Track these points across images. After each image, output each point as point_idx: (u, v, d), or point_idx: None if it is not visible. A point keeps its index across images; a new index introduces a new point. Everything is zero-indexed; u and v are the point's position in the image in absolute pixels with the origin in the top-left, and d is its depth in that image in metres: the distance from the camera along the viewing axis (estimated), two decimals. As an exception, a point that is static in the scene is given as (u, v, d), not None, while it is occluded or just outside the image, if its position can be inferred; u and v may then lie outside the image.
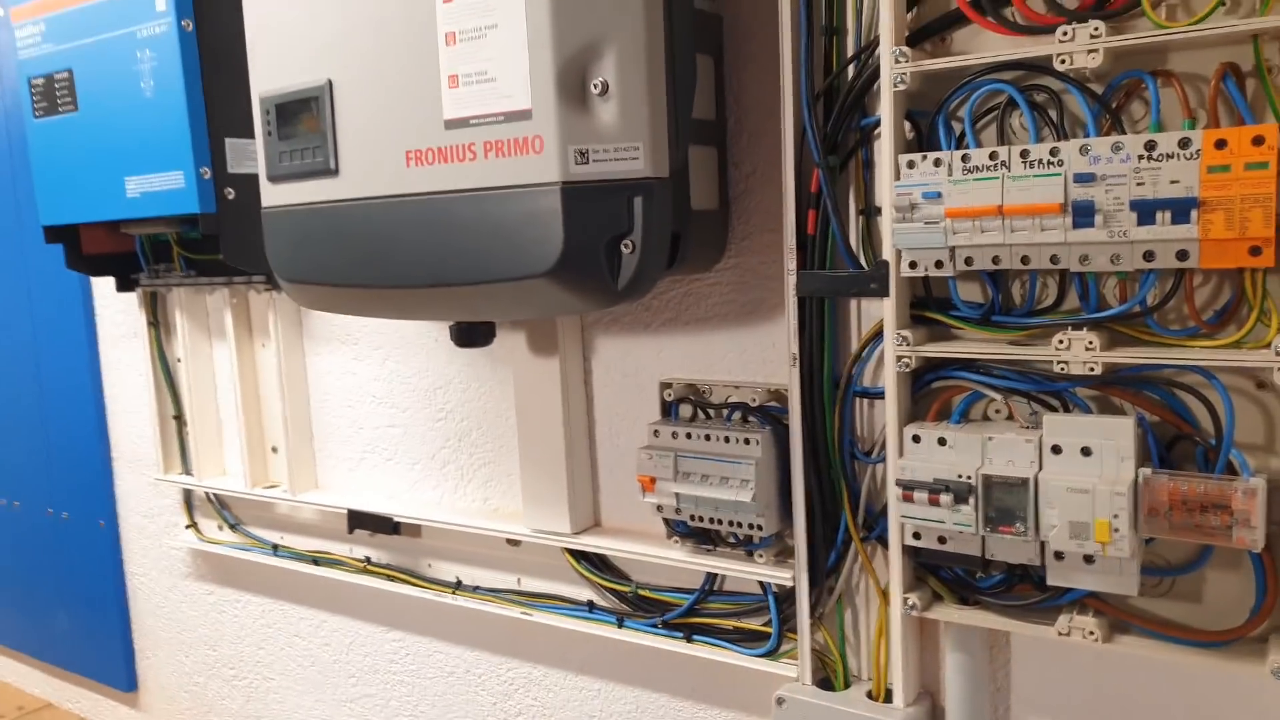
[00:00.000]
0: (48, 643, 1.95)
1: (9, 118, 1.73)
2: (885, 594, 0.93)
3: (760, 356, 0.99)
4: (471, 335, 1.05)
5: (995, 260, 0.78)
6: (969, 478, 0.80)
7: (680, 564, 1.03)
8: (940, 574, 0.89)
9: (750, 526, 0.96)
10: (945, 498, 0.81)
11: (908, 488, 0.83)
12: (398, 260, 0.94)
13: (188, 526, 1.60)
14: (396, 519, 1.28)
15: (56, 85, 1.34)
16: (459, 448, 1.25)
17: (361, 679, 1.45)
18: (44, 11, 1.33)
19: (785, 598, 1.00)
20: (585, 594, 1.15)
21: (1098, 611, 0.81)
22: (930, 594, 0.89)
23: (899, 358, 0.85)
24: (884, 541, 0.93)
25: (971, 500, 0.80)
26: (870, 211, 0.89)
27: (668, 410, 1.04)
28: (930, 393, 0.88)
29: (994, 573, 0.85)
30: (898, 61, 0.80)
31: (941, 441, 0.83)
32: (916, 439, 0.84)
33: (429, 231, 0.91)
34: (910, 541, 0.86)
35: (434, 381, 1.26)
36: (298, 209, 1.01)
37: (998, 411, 0.86)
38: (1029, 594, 0.84)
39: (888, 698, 0.93)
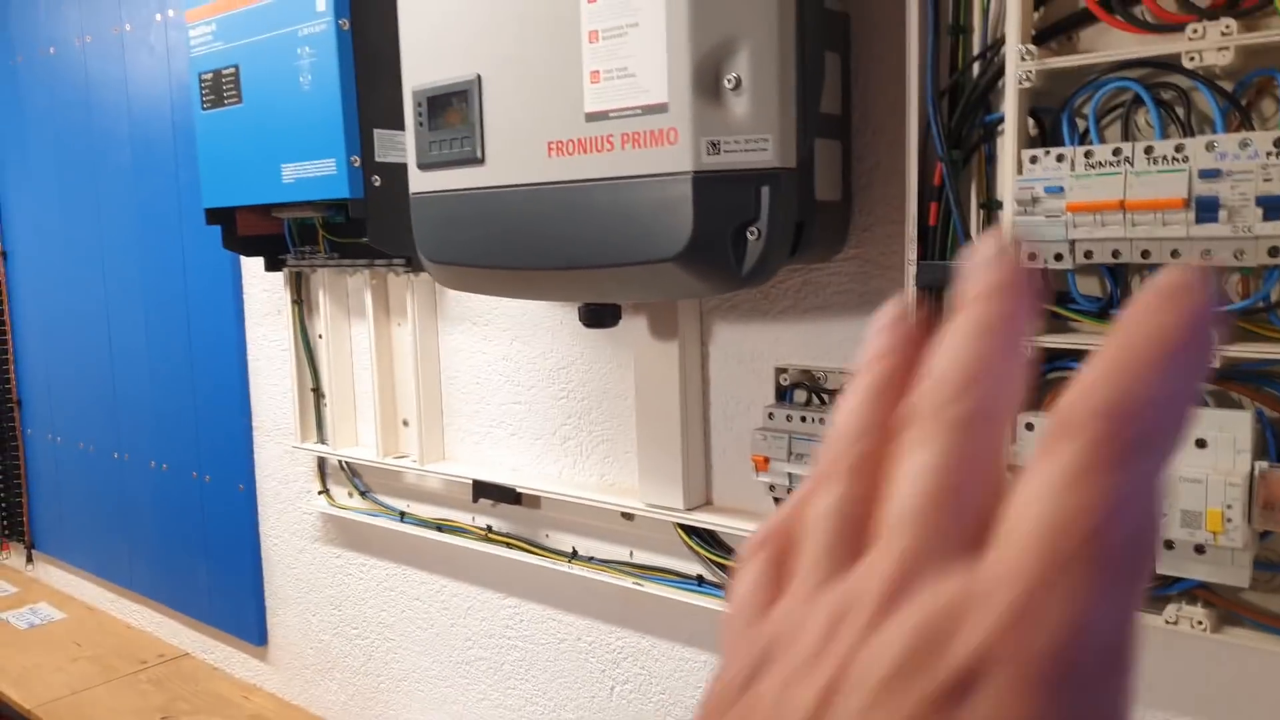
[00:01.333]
0: (188, 597, 2.12)
1: (175, 110, 1.89)
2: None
3: (875, 344, 1.02)
4: (599, 316, 1.11)
5: (1115, 254, 0.80)
6: (1082, 465, 0.82)
7: (789, 541, 1.08)
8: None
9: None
10: (1057, 483, 0.83)
11: (1019, 473, 0.85)
12: (536, 244, 1.02)
13: (320, 493, 1.72)
14: (519, 489, 1.36)
15: (224, 79, 1.47)
16: (579, 425, 1.32)
17: (477, 642, 1.54)
18: (216, 13, 1.46)
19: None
20: (695, 568, 1.21)
21: (1207, 602, 0.83)
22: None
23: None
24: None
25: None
26: (991, 205, 0.92)
27: (782, 394, 1.09)
28: (1047, 384, 0.90)
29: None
30: (1023, 59, 0.83)
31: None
32: (1029, 427, 0.87)
33: (566, 217, 0.98)
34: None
35: (558, 362, 1.33)
36: (445, 195, 1.09)
37: (1113, 403, 0.88)
38: (1139, 583, 0.86)
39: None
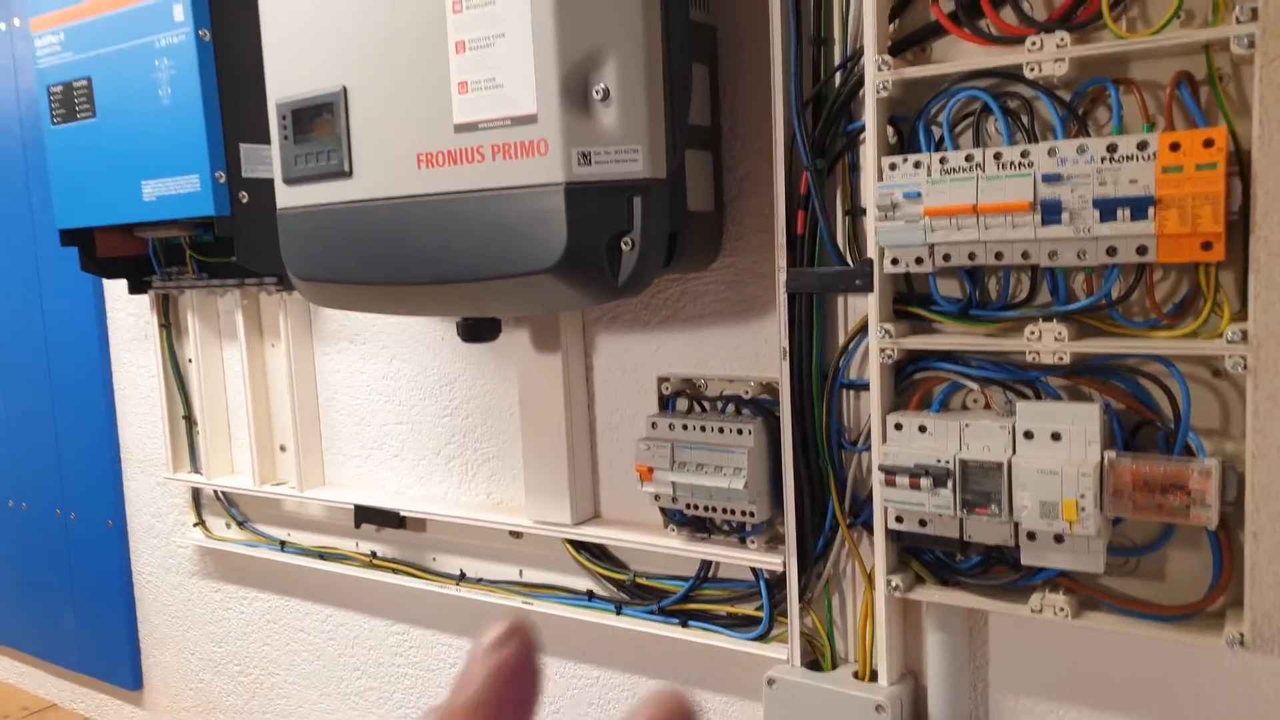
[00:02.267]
0: (54, 643, 1.98)
1: (24, 125, 1.78)
2: (870, 578, 0.98)
3: (753, 351, 1.04)
4: (478, 331, 1.10)
5: (971, 256, 0.83)
6: (947, 462, 0.85)
7: (676, 551, 1.08)
8: (922, 557, 0.94)
9: (743, 513, 1.00)
10: (925, 481, 0.86)
11: (890, 473, 0.88)
12: (409, 258, 0.99)
13: (195, 525, 1.64)
14: (402, 513, 1.33)
15: (75, 93, 1.40)
16: (464, 443, 1.30)
17: (366, 672, 1.49)
18: (64, 21, 1.39)
19: (776, 583, 1.04)
20: (585, 584, 1.20)
21: (1068, 590, 0.86)
22: (913, 576, 0.93)
23: (882, 350, 0.90)
24: (869, 527, 0.98)
25: (950, 484, 0.85)
26: (856, 212, 0.94)
27: (665, 404, 1.09)
28: (912, 384, 0.93)
29: (972, 555, 0.90)
30: (880, 70, 0.86)
31: (921, 429, 0.88)
32: (899, 427, 0.89)
33: (438, 230, 0.96)
34: (893, 525, 0.90)
35: (440, 379, 1.30)
36: (313, 210, 1.06)
37: (975, 400, 0.91)
38: (1004, 574, 0.89)
39: (873, 677, 0.97)
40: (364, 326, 1.37)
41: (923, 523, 0.89)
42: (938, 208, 0.82)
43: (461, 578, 1.31)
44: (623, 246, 0.90)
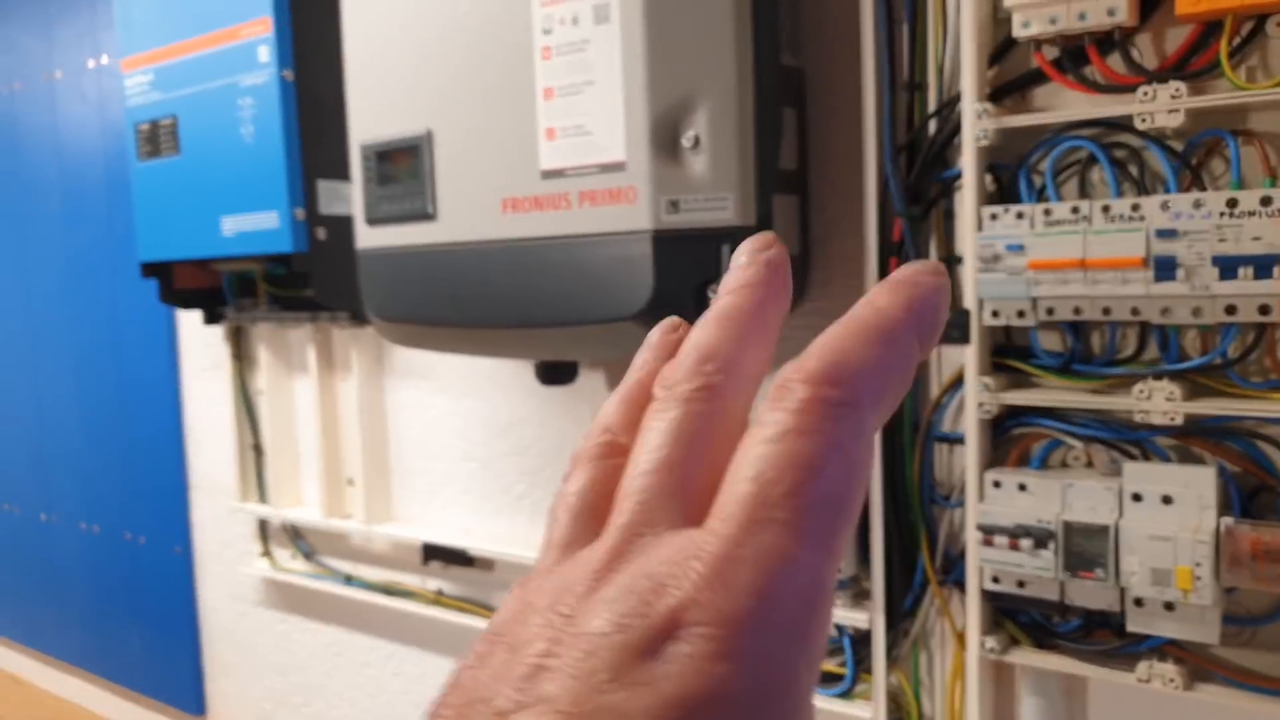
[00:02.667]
0: (118, 665, 2.01)
1: (109, 159, 1.83)
2: (961, 637, 0.94)
3: (837, 400, 1.01)
4: (556, 374, 1.09)
5: (1077, 311, 0.80)
6: (1049, 523, 0.82)
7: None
8: (1018, 618, 0.90)
9: (826, 566, 0.98)
10: (1025, 542, 0.82)
11: (988, 532, 0.85)
12: (490, 301, 0.99)
13: (262, 555, 1.65)
14: (470, 551, 1.32)
15: (161, 130, 1.43)
16: (534, 482, 1.29)
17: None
18: (154, 61, 1.42)
19: (860, 640, 1.01)
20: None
21: (1178, 659, 0.82)
22: (1007, 638, 0.90)
23: (980, 404, 0.87)
24: (961, 585, 0.95)
25: (1051, 545, 0.81)
26: (951, 260, 0.92)
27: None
28: (1010, 439, 0.90)
29: (1072, 618, 0.86)
30: (980, 117, 0.84)
31: (1021, 487, 0.85)
32: (997, 484, 0.86)
33: (522, 275, 0.96)
34: (989, 586, 0.87)
35: (510, 417, 1.30)
36: (394, 251, 1.06)
37: (1076, 459, 0.87)
38: (1107, 640, 0.85)
39: (963, 741, 0.94)
40: (435, 363, 1.37)
41: (1021, 584, 0.85)
42: (1042, 261, 0.80)
43: (530, 619, 1.29)
44: (709, 294, 0.88)
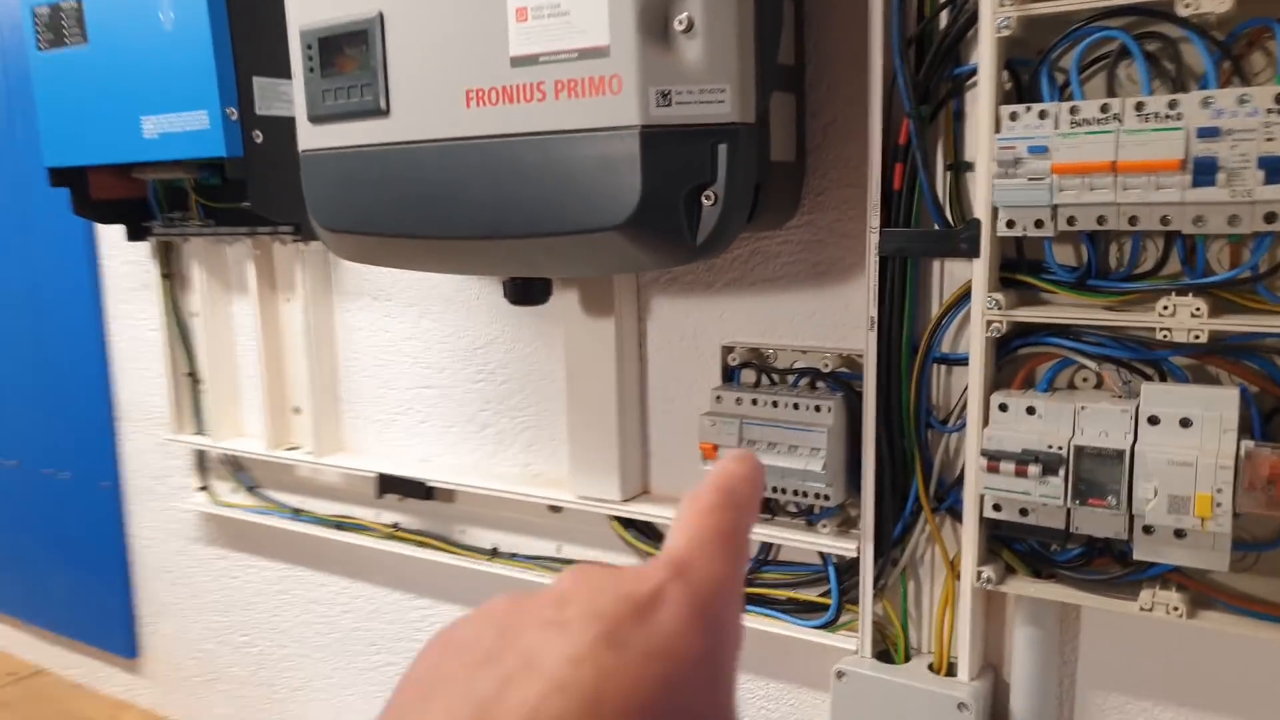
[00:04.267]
0: (43, 607, 1.90)
1: (7, 52, 1.65)
2: (954, 566, 0.90)
3: (831, 320, 0.95)
4: (527, 293, 1.00)
5: (1100, 220, 0.74)
6: (1059, 448, 0.77)
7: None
8: (1014, 546, 0.86)
9: (816, 496, 0.92)
10: (1033, 469, 0.78)
11: (994, 458, 0.80)
12: (454, 209, 0.89)
13: (200, 489, 1.55)
14: (430, 483, 1.24)
15: (63, 14, 1.27)
16: (500, 410, 1.21)
17: (385, 647, 1.41)
18: (54, -62, 1.26)
19: (846, 569, 0.97)
20: (631, 561, 1.12)
21: (1180, 586, 0.79)
22: (1003, 567, 0.86)
23: (989, 323, 0.81)
24: (955, 513, 0.90)
25: (1061, 472, 0.77)
26: (959, 167, 0.85)
27: (729, 375, 1.00)
28: (1015, 360, 0.85)
29: (1073, 547, 0.82)
30: (1001, 4, 0.76)
31: (1030, 411, 0.80)
32: (1004, 408, 0.81)
33: (490, 178, 0.86)
34: (989, 514, 0.82)
35: (474, 341, 1.21)
36: (342, 152, 0.95)
37: (1084, 380, 0.82)
38: (1106, 568, 0.81)
39: (950, 671, 0.90)
40: (390, 283, 1.27)
41: (1024, 511, 0.81)
42: (1069, 164, 0.73)
43: (494, 553, 1.23)
44: (704, 200, 0.80)
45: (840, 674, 0.93)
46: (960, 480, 0.89)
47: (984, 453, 0.80)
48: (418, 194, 0.91)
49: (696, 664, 0.22)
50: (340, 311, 1.33)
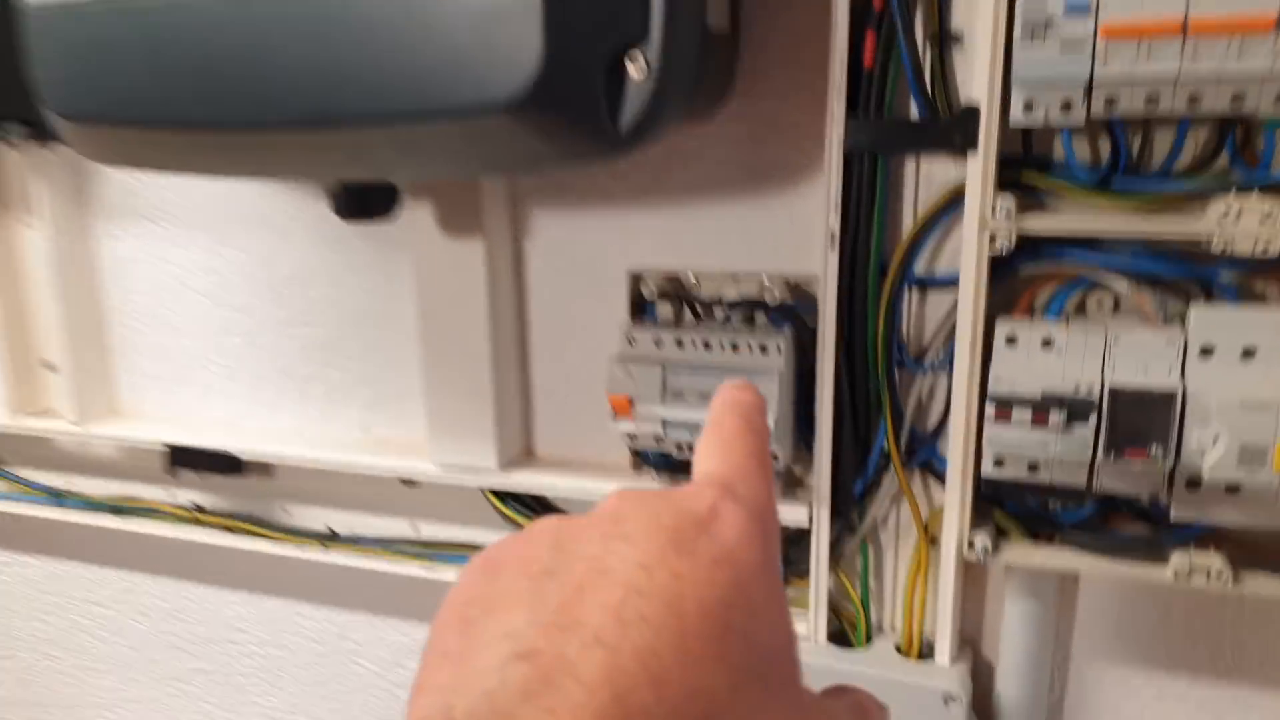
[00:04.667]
0: None
1: None
2: (927, 530, 0.75)
3: (771, 238, 0.75)
4: (364, 204, 0.74)
5: (1150, 101, 0.58)
6: (1089, 390, 0.61)
7: (655, 504, 0.80)
8: (1007, 504, 0.71)
9: (765, 457, 0.74)
10: (1055, 416, 0.62)
11: (1005, 404, 0.63)
12: (255, 84, 0.62)
13: (-82, 470, 1.18)
14: (238, 455, 0.96)
15: None
16: (329, 360, 0.94)
17: (192, 652, 1.14)
18: None
19: (790, 539, 0.80)
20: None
21: (1217, 547, 0.66)
22: (994, 530, 0.71)
23: (992, 236, 0.64)
24: (930, 469, 0.75)
25: (1092, 419, 0.61)
26: (945, 39, 0.66)
27: (639, 310, 0.79)
28: (1011, 282, 0.68)
29: (1087, 504, 0.68)
30: None
31: (1047, 343, 0.64)
32: (1013, 340, 0.65)
33: (311, 37, 0.60)
34: (990, 472, 0.67)
35: (291, 272, 0.93)
36: (84, 7, 0.65)
37: (1099, 305, 0.67)
38: (1122, 528, 0.68)
39: (924, 653, 0.76)
40: (171, 197, 0.95)
41: (1033, 467, 0.66)
42: (1122, 25, 0.56)
43: (332, 537, 0.98)
44: (629, 69, 0.57)
45: (796, 671, 0.76)
46: (939, 430, 0.73)
47: (993, 398, 0.63)
48: (200, 63, 0.63)
49: (758, 572, 0.22)
50: (104, 238, 1.00)
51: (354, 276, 0.91)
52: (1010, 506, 0.71)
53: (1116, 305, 0.67)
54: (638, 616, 0.19)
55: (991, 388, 0.64)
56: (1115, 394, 0.61)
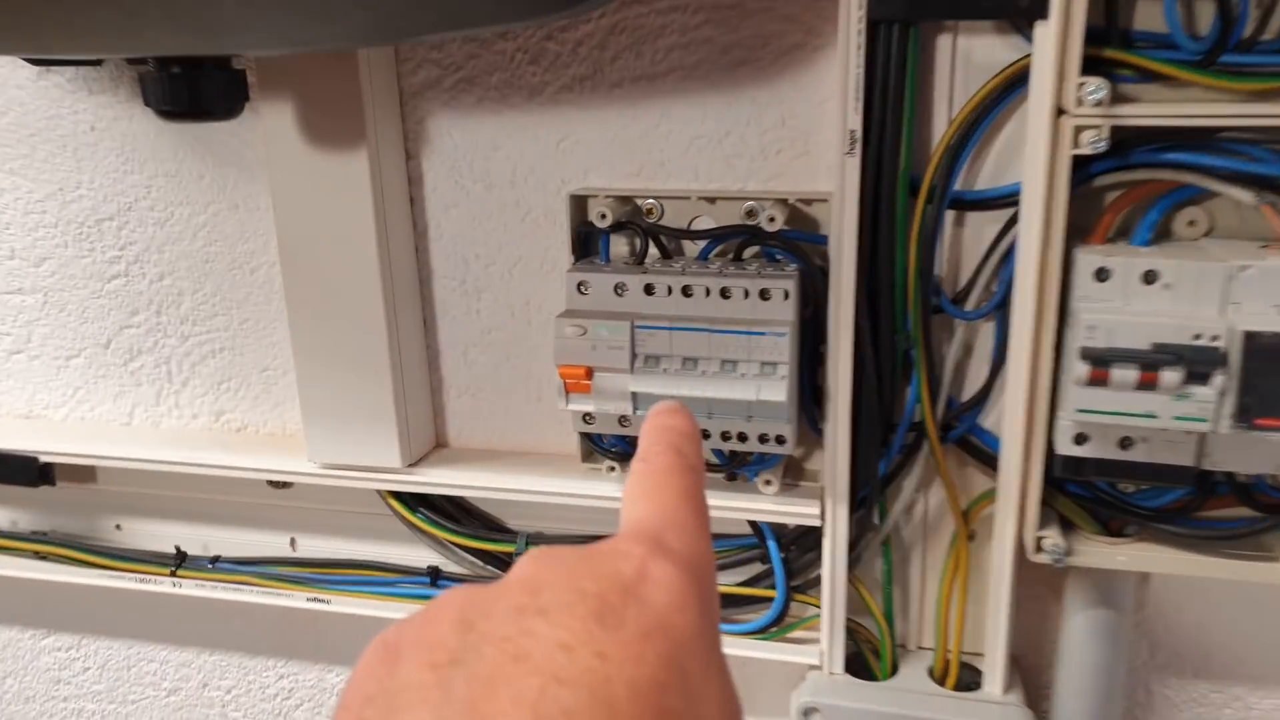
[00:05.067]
0: None
1: None
2: (967, 522, 0.59)
3: (757, 144, 0.57)
4: (195, 93, 0.52)
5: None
6: (1217, 339, 0.46)
7: (615, 505, 0.61)
8: (1068, 486, 0.56)
9: (765, 439, 0.56)
10: (1170, 374, 0.46)
11: (1100, 360, 0.47)
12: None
13: None
14: (46, 458, 0.72)
15: None
16: (159, 326, 0.71)
17: (4, 713, 0.89)
18: None
19: (793, 540, 0.62)
20: (425, 557, 0.70)
21: (1310, 534, 0.52)
22: (1058, 522, 0.56)
23: (1079, 129, 0.47)
24: (969, 446, 0.58)
25: (1219, 378, 0.46)
26: None
27: (584, 246, 0.59)
28: (1084, 200, 0.52)
29: (1180, 487, 0.53)
30: None
31: (1150, 278, 0.48)
32: (1103, 275, 0.48)
33: None
34: (1067, 449, 0.51)
35: (98, 205, 0.69)
36: None
37: (1191, 224, 0.52)
38: (1215, 514, 0.54)
39: (964, 681, 0.60)
40: (-86, 106, 0.70)
41: (1126, 443, 0.50)
42: None
43: (180, 561, 0.75)
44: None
45: (809, 711, 0.59)
46: (985, 396, 0.57)
47: (1087, 354, 0.47)
48: None
49: (695, 641, 0.20)
50: None
51: (186, 209, 0.67)
52: (1071, 488, 0.56)
53: (1210, 228, 0.52)
54: (559, 711, 0.17)
55: (1084, 339, 0.47)
56: (1252, 343, 0.46)
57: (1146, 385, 0.47)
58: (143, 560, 0.75)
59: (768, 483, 0.59)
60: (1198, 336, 0.46)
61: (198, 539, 0.75)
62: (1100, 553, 0.54)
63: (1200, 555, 0.53)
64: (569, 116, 0.58)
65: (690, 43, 0.56)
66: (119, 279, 0.71)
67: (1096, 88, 0.46)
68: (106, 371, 0.74)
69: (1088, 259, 0.48)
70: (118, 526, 0.78)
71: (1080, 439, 0.51)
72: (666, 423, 0.28)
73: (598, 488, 0.61)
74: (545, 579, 0.20)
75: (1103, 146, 0.47)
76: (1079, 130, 0.47)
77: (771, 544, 0.61)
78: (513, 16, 0.48)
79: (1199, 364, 0.46)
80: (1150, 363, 0.46)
